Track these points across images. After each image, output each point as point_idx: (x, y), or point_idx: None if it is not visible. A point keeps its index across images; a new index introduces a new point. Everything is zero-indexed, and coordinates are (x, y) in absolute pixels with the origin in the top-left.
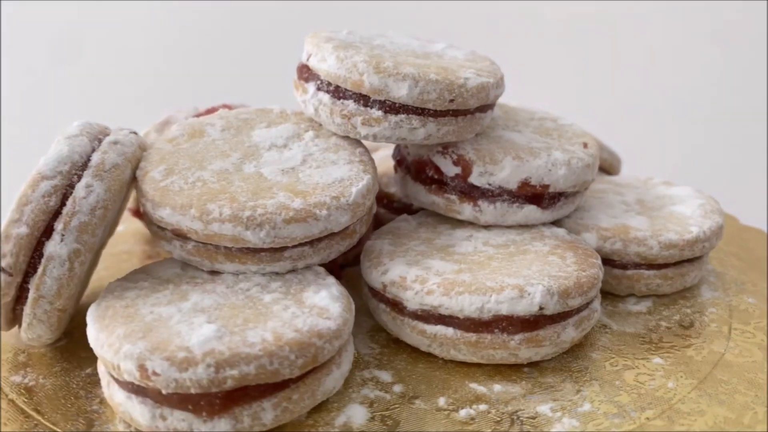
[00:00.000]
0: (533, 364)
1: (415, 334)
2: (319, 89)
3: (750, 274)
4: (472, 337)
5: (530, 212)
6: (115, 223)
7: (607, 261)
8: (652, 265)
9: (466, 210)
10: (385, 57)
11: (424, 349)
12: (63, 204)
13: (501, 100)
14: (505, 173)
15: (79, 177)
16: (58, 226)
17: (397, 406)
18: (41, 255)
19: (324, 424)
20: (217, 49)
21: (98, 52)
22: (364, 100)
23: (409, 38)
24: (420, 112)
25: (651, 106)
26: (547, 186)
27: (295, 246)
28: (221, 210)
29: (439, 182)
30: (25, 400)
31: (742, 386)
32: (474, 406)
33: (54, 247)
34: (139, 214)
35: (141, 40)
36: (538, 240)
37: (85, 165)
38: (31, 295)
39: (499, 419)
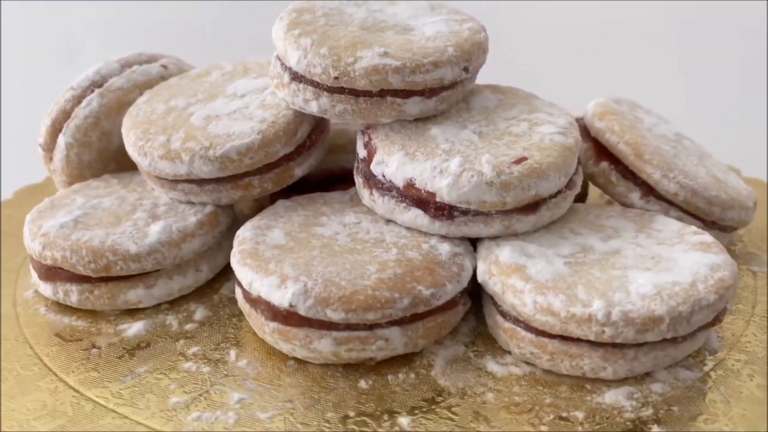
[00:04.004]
0: (299, 361)
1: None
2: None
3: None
4: (246, 307)
5: (417, 217)
6: None
7: (494, 302)
8: (529, 327)
9: (365, 196)
10: (312, 26)
11: None
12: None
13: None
14: (393, 168)
15: (92, 92)
16: (65, 123)
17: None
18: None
19: (115, 321)
20: None
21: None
22: (283, 65)
23: (418, 8)
24: (315, 84)
25: None
26: (433, 194)
27: (184, 181)
28: (132, 137)
29: (357, 160)
30: None
31: None
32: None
33: (60, 137)
34: None
35: None
36: (406, 249)
37: (101, 84)
38: (51, 167)
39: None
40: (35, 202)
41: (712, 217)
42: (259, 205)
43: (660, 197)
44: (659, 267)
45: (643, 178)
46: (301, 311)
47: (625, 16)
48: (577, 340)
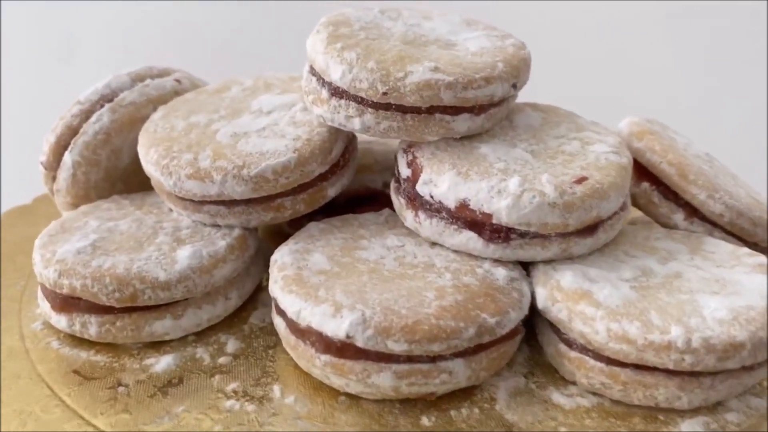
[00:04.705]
0: (351, 397)
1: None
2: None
3: None
4: (292, 339)
5: (470, 240)
6: None
7: (556, 330)
8: (600, 356)
9: (409, 218)
10: (353, 39)
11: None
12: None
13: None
14: (444, 188)
15: (102, 107)
16: (72, 140)
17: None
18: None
19: (139, 355)
20: None
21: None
22: (321, 80)
23: (453, 23)
24: (359, 100)
25: None
26: (489, 216)
27: (212, 202)
28: (154, 155)
29: (398, 180)
30: None
31: None
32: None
33: (66, 155)
34: None
35: None
36: (459, 273)
37: (112, 98)
38: (54, 187)
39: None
40: (28, 224)
41: (755, 238)
42: (272, 229)
43: (704, 218)
44: (726, 290)
45: (686, 199)
46: (359, 342)
47: (618, 25)
48: (652, 369)
